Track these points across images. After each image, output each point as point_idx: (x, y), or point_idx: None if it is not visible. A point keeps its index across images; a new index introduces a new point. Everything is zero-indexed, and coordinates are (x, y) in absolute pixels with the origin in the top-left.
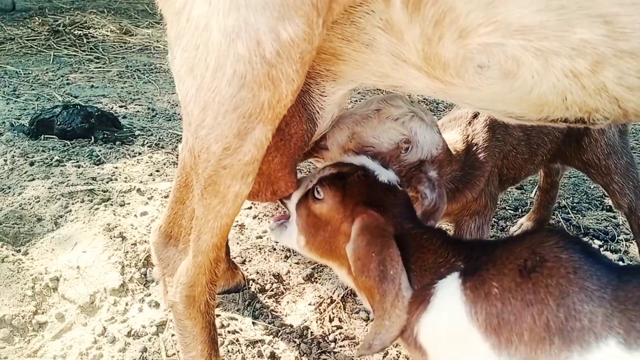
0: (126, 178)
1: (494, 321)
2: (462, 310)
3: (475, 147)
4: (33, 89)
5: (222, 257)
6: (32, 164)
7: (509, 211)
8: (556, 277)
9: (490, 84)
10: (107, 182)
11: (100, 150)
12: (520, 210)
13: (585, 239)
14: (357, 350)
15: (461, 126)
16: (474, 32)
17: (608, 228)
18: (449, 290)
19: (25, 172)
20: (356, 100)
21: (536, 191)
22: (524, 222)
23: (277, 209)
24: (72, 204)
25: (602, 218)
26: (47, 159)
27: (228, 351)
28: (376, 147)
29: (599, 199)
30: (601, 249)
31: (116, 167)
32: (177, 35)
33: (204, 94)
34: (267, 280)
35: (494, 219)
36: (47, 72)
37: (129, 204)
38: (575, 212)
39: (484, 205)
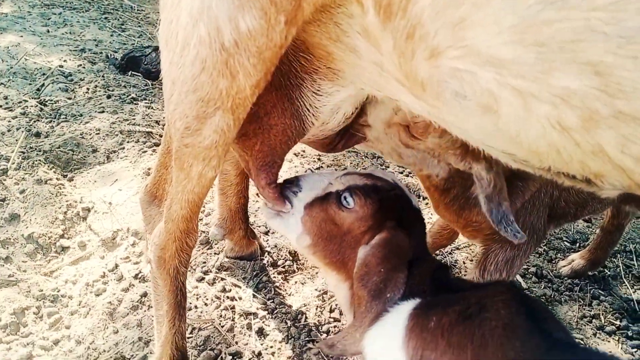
0: None
1: (419, 353)
2: (400, 335)
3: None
4: (140, 26)
5: (193, 229)
6: (109, 97)
7: (565, 242)
8: (484, 329)
9: (471, 116)
10: None
11: None
12: (578, 244)
13: None
14: (319, 344)
15: None
16: (444, 54)
17: None
18: (400, 314)
19: (100, 104)
20: None
21: (598, 231)
22: (575, 259)
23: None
24: (127, 142)
25: None
26: (124, 94)
27: (220, 316)
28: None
29: None
30: None
31: None
32: (163, 6)
33: (174, 69)
34: (281, 256)
35: (543, 246)
36: (158, 12)
37: None
38: None
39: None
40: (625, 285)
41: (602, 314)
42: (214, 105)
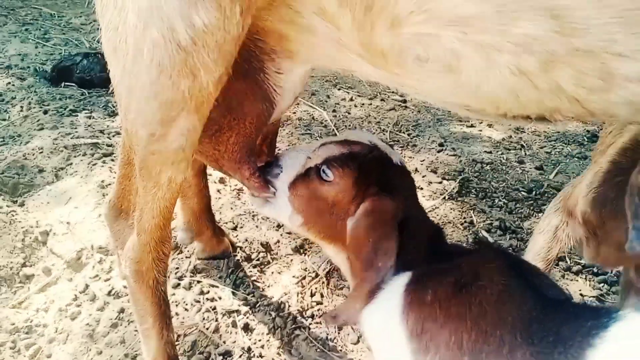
0: None
1: (419, 327)
2: (398, 309)
3: None
4: (64, 33)
5: (167, 236)
6: (46, 112)
7: (522, 192)
8: (480, 297)
9: (433, 78)
10: (114, 136)
11: (115, 102)
12: (534, 192)
13: None
14: (323, 316)
15: None
16: (406, 21)
17: None
18: (395, 288)
19: (37, 121)
20: None
21: None
22: None
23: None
24: (74, 156)
25: None
26: (61, 107)
27: (203, 319)
28: None
29: None
30: None
31: None
32: (101, 12)
33: (128, 77)
34: (254, 249)
35: (502, 199)
36: (80, 16)
37: None
38: None
39: None
40: None
41: (567, 255)
42: (178, 108)
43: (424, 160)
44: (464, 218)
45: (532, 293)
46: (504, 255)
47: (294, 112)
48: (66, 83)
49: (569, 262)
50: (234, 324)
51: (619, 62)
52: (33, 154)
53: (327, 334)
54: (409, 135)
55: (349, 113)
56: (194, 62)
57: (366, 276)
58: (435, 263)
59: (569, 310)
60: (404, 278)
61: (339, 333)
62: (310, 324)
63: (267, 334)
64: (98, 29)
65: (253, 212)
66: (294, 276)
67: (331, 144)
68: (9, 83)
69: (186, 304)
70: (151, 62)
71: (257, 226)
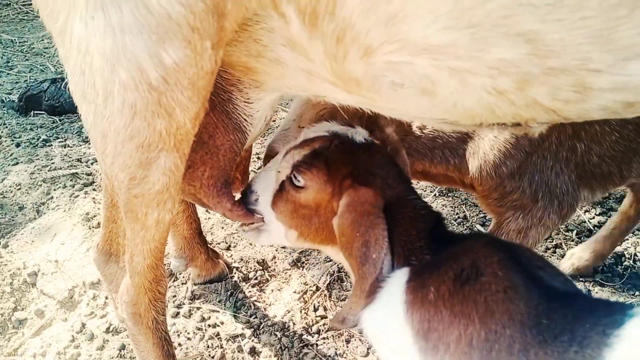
0: None
1: (425, 326)
2: (401, 310)
3: None
4: (27, 59)
5: (161, 275)
6: (18, 145)
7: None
8: (486, 294)
9: (409, 100)
10: (92, 164)
11: None
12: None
13: None
14: (330, 322)
15: None
16: (379, 50)
17: None
18: (395, 288)
19: (10, 155)
20: None
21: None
22: (576, 254)
23: None
24: (54, 189)
25: None
26: (33, 138)
27: (208, 346)
28: None
29: None
30: None
31: None
32: (65, 56)
33: (100, 121)
34: (251, 268)
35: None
36: (42, 40)
37: None
38: None
39: (526, 199)
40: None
41: (563, 241)
42: (156, 148)
43: None
44: (457, 214)
45: (537, 286)
46: (502, 245)
47: (274, 120)
48: (35, 112)
49: (565, 249)
50: (240, 349)
51: (595, 77)
52: (11, 191)
53: (336, 349)
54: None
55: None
56: (167, 101)
57: (364, 271)
58: (435, 250)
59: (581, 306)
60: (402, 275)
61: (347, 346)
62: (317, 340)
63: (275, 355)
64: None
65: None
66: (294, 292)
67: (293, 150)
68: None
69: (188, 333)
70: (123, 104)
71: (250, 244)
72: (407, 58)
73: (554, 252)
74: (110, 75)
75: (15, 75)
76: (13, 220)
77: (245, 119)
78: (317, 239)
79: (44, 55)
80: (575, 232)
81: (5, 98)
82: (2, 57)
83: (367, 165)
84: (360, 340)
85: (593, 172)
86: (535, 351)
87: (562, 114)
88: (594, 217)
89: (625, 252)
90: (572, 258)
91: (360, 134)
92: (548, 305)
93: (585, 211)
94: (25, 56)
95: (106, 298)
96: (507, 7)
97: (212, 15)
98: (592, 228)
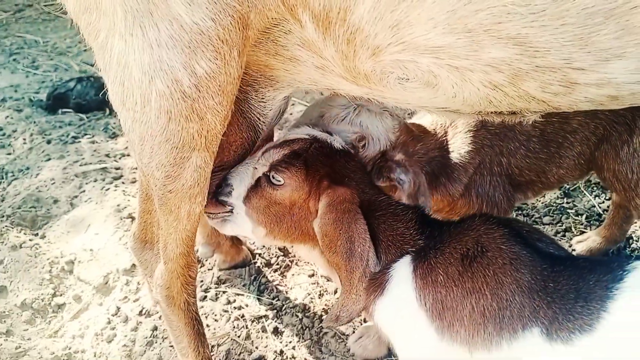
0: None
1: (439, 306)
2: (413, 296)
3: (455, 131)
4: (51, 59)
5: (192, 261)
6: (49, 141)
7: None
8: (493, 267)
9: (413, 92)
10: (120, 159)
11: (114, 123)
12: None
13: None
14: (325, 322)
15: None
16: (386, 51)
17: None
18: (402, 277)
19: (42, 152)
20: None
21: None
22: (591, 237)
23: None
24: (86, 183)
25: None
26: (63, 135)
27: (234, 327)
28: None
29: None
30: None
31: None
32: (105, 68)
33: (138, 126)
34: (272, 254)
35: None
36: (65, 39)
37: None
38: None
39: (480, 210)
40: (585, 194)
41: (572, 225)
42: (189, 149)
43: None
44: None
45: (539, 254)
46: (501, 221)
47: (290, 114)
48: (63, 110)
49: (574, 232)
50: (264, 329)
51: (579, 74)
52: (46, 186)
53: (354, 329)
54: None
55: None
56: (199, 106)
57: (351, 265)
58: (429, 235)
59: (582, 266)
60: (406, 264)
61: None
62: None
63: (297, 335)
64: (85, 50)
65: None
66: (313, 276)
67: (272, 149)
68: (7, 116)
69: (215, 315)
70: (159, 111)
71: None
72: (411, 57)
73: (564, 235)
74: (147, 85)
75: (41, 75)
76: (49, 212)
77: (258, 118)
78: (288, 238)
79: (68, 55)
80: (584, 216)
81: (33, 97)
82: (27, 58)
83: (343, 169)
84: None
85: (519, 181)
86: (544, 312)
87: (552, 105)
88: (603, 202)
89: (633, 235)
90: (588, 240)
91: (337, 141)
92: (552, 269)
93: (595, 196)
94: (50, 56)
95: (138, 283)
96: (496, 15)
97: (238, 26)
98: (601, 212)
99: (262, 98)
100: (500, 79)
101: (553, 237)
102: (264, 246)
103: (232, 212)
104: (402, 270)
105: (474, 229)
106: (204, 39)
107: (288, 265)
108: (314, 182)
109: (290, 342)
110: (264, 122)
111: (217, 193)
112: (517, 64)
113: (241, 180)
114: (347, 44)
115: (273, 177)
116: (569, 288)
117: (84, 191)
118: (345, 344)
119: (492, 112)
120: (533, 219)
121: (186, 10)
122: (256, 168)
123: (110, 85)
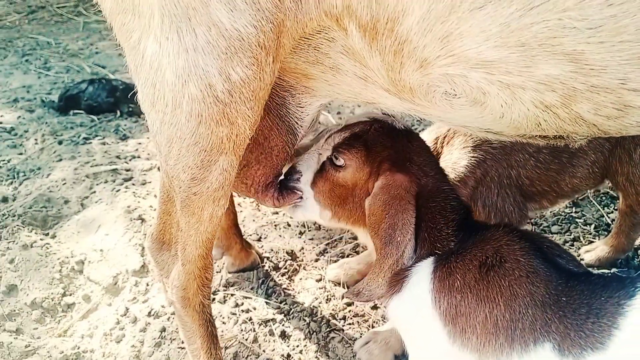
0: (148, 155)
1: (453, 311)
2: (429, 298)
3: (450, 149)
4: (63, 60)
5: (210, 263)
6: (60, 142)
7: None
8: (509, 278)
9: (459, 109)
10: (130, 160)
11: (125, 125)
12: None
13: None
14: (346, 293)
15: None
16: (434, 63)
17: None
18: (421, 278)
19: (54, 152)
20: None
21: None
22: (599, 246)
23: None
24: (97, 184)
25: None
26: (74, 136)
27: (241, 330)
28: None
29: None
30: None
31: (139, 143)
32: (135, 69)
33: (167, 128)
34: (280, 258)
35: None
36: (77, 41)
37: (149, 182)
38: None
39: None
40: (594, 204)
41: (581, 235)
42: (217, 153)
43: None
44: None
45: (556, 269)
46: (523, 234)
47: (319, 123)
48: (75, 111)
49: (583, 242)
50: (271, 333)
51: (634, 95)
52: (57, 186)
53: (361, 334)
54: None
55: (353, 114)
56: (231, 112)
57: (386, 251)
58: (461, 239)
59: (595, 282)
60: (428, 265)
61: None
62: (343, 325)
63: (304, 339)
64: (97, 53)
65: (275, 222)
66: (321, 281)
67: (335, 133)
68: (19, 116)
69: (223, 317)
70: (190, 114)
71: (280, 235)
72: (461, 71)
73: (572, 244)
74: (180, 89)
75: (53, 76)
76: (60, 213)
77: (296, 122)
78: (350, 220)
79: (80, 57)
80: (593, 225)
81: (45, 98)
82: (39, 59)
83: (405, 151)
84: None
85: (531, 191)
86: (556, 326)
87: (602, 129)
88: (612, 212)
89: None
90: (596, 250)
91: (399, 121)
92: (566, 284)
93: (604, 206)
94: (62, 57)
95: (147, 284)
96: (552, 29)
97: (275, 33)
98: (609, 222)
99: (299, 103)
100: (553, 98)
101: (562, 245)
102: (271, 250)
103: (301, 197)
104: (424, 270)
105: (496, 239)
106: (243, 45)
107: (296, 269)
108: (374, 163)
109: (297, 345)
110: (301, 126)
111: (286, 180)
112: (571, 83)
113: (308, 167)
114: (394, 55)
115: (335, 159)
116: (581, 303)
117: (94, 192)
118: (352, 349)
119: (537, 136)
120: (541, 228)
121: (228, 16)
122: (320, 153)
123: (141, 87)
